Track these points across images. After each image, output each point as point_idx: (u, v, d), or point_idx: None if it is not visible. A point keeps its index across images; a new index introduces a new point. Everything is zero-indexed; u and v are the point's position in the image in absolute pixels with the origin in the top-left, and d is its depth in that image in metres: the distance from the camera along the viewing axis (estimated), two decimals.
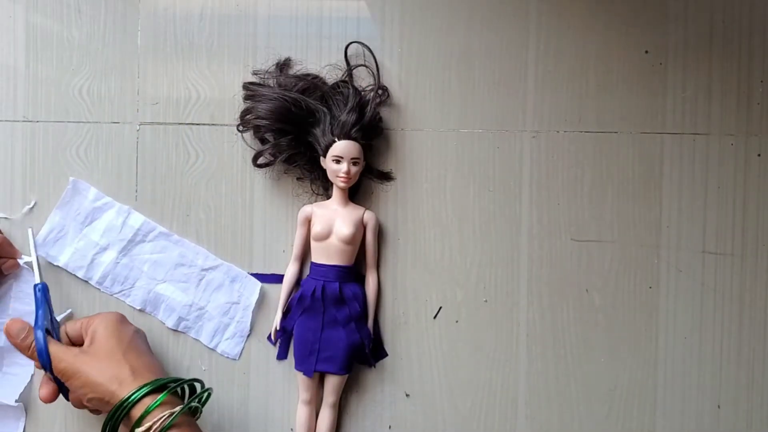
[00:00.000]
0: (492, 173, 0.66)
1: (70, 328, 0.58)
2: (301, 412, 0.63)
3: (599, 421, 0.66)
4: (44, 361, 0.52)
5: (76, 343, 0.57)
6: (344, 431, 0.65)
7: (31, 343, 0.54)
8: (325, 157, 0.61)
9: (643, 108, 0.66)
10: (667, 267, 0.66)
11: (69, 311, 0.63)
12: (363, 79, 0.65)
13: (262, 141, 0.64)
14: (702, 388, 0.66)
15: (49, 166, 0.65)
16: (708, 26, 0.66)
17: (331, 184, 0.62)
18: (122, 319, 0.58)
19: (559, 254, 0.65)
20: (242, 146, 0.65)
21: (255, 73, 0.64)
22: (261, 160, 0.63)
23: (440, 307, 0.65)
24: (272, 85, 0.63)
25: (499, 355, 0.65)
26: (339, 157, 0.60)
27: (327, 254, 0.61)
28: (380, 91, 0.64)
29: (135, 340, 0.56)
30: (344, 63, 0.64)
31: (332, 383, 0.63)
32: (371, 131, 0.63)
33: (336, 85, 0.63)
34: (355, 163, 0.61)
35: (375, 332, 0.64)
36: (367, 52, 0.64)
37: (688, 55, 0.66)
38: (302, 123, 0.62)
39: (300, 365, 0.62)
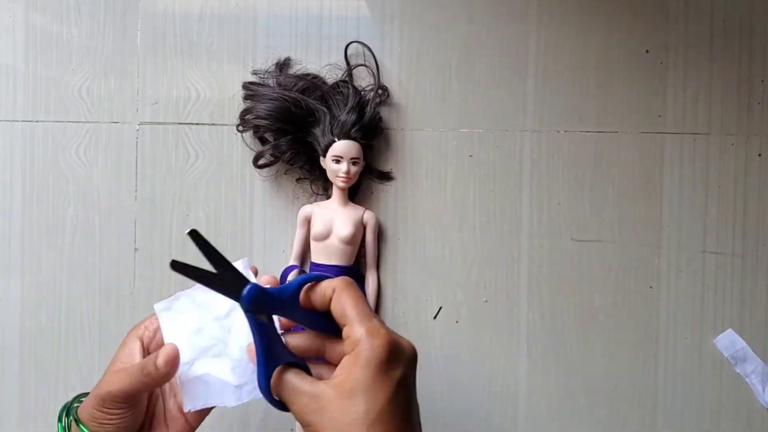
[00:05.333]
0: (492, 173, 0.65)
1: (319, 292, 0.39)
2: None
3: (599, 421, 0.65)
4: (274, 405, 0.38)
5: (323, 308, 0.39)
6: None
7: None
8: (324, 157, 0.61)
9: (643, 108, 0.66)
10: (667, 267, 0.66)
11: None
12: (363, 79, 0.65)
13: (262, 141, 0.64)
14: (702, 388, 0.65)
15: (49, 166, 0.65)
16: (708, 26, 0.66)
17: (331, 184, 0.62)
18: (391, 358, 0.36)
19: (559, 254, 0.65)
20: (242, 146, 0.65)
21: (255, 73, 0.64)
22: (261, 161, 0.63)
23: (440, 307, 0.65)
24: (272, 84, 0.63)
25: (499, 355, 0.65)
26: (339, 156, 0.60)
27: (327, 254, 0.61)
28: (380, 91, 0.64)
29: (390, 409, 0.35)
30: (344, 63, 0.64)
31: None
32: (371, 131, 0.63)
33: (336, 85, 0.63)
34: (354, 163, 0.61)
35: None
36: (367, 52, 0.64)
37: (688, 55, 0.66)
38: (302, 123, 0.62)
39: None
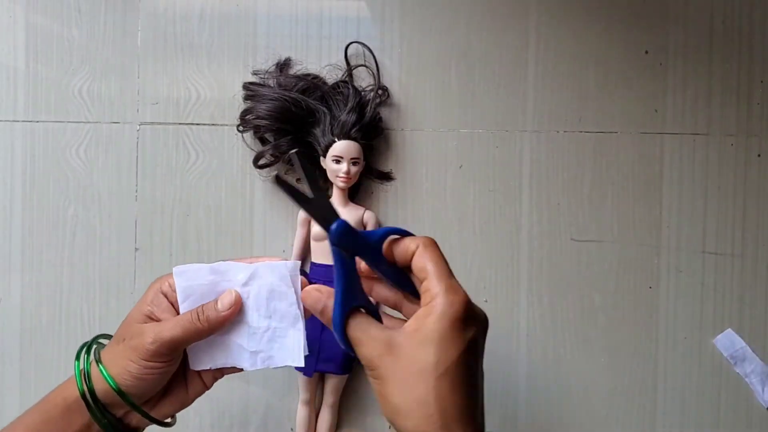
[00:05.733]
0: (492, 173, 0.66)
1: (401, 247, 0.39)
2: (301, 412, 0.63)
3: (599, 421, 0.66)
4: (343, 343, 0.38)
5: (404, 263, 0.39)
6: (344, 431, 0.65)
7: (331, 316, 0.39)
8: (325, 157, 0.61)
9: (643, 108, 0.66)
10: (667, 267, 0.66)
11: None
12: (363, 79, 0.65)
13: (262, 141, 0.64)
14: (701, 387, 0.66)
15: (49, 166, 0.65)
16: (708, 26, 0.66)
17: (331, 184, 0.62)
18: (467, 317, 0.36)
19: (559, 254, 0.65)
20: (242, 146, 0.65)
21: (255, 73, 0.64)
22: (261, 161, 0.63)
23: None
24: (272, 85, 0.63)
25: (499, 355, 0.65)
26: (339, 157, 0.60)
27: (327, 254, 0.61)
28: (380, 91, 0.64)
29: (460, 364, 0.36)
30: (344, 63, 0.64)
31: (332, 383, 0.63)
32: (371, 131, 0.63)
33: (336, 85, 0.63)
34: (354, 163, 0.61)
35: None
36: (367, 52, 0.64)
37: (688, 55, 0.66)
38: (302, 123, 0.62)
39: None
